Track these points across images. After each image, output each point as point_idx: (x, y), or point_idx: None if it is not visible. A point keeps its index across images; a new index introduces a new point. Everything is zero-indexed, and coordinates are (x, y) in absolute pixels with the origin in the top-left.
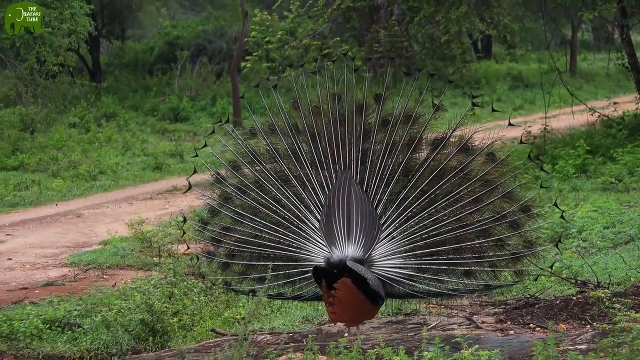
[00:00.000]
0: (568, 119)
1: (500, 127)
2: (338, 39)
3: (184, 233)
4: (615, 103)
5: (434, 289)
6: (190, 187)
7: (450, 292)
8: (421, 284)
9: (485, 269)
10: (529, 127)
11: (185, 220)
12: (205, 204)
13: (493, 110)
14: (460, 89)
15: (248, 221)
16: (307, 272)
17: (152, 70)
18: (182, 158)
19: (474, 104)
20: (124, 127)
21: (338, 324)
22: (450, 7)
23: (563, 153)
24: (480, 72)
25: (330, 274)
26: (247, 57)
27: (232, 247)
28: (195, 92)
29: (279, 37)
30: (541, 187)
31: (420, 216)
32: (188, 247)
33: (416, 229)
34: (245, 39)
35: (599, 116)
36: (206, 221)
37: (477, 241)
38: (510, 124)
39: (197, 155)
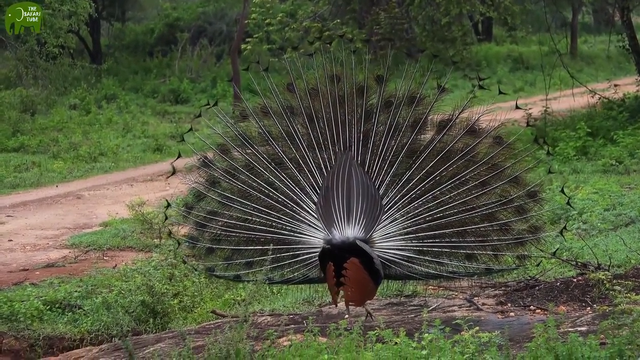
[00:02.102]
0: (568, 101)
1: (501, 109)
2: (338, 21)
3: (166, 218)
4: (615, 85)
5: (433, 271)
6: (174, 171)
7: (449, 275)
8: (420, 266)
9: (488, 252)
10: (530, 109)
11: (169, 205)
12: (190, 188)
13: (500, 92)
14: (461, 71)
15: (237, 205)
16: (300, 254)
17: (152, 52)
18: (182, 140)
19: (481, 86)
20: (124, 108)
21: (340, 305)
22: None
23: (564, 135)
24: (481, 55)
25: (336, 256)
26: (247, 39)
27: (218, 232)
28: (195, 74)
29: (279, 19)
30: (549, 172)
31: (424, 198)
32: (170, 233)
33: (420, 211)
34: (246, 21)
35: (600, 98)
36: (191, 205)
37: (481, 225)
38: (517, 107)
39: (183, 140)
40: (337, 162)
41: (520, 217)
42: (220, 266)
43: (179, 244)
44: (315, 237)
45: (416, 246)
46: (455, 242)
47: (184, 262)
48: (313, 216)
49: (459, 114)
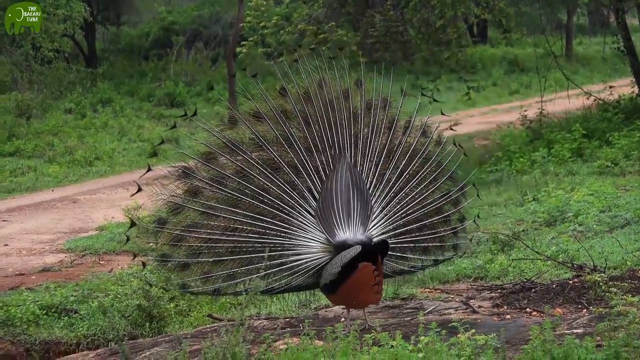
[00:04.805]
0: (564, 103)
1: (497, 111)
2: (333, 23)
3: (128, 239)
4: (611, 87)
5: (400, 267)
6: (139, 189)
7: (410, 269)
8: (391, 262)
9: (436, 244)
10: (525, 111)
11: (133, 224)
12: (165, 202)
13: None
14: (456, 73)
15: (224, 213)
16: (298, 259)
17: (147, 56)
18: (178, 144)
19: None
20: (119, 112)
21: (335, 308)
22: None
23: (559, 137)
24: (476, 57)
25: (369, 256)
26: (242, 43)
27: (198, 245)
28: (191, 77)
29: (274, 22)
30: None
31: (400, 196)
32: (135, 256)
33: (396, 209)
34: (241, 24)
35: (595, 100)
36: (164, 220)
37: (434, 218)
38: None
39: (156, 154)
40: (337, 165)
41: (455, 209)
42: (198, 281)
43: (144, 265)
44: (319, 241)
45: (391, 244)
46: (416, 236)
47: (150, 286)
48: (314, 219)
49: (414, 119)
